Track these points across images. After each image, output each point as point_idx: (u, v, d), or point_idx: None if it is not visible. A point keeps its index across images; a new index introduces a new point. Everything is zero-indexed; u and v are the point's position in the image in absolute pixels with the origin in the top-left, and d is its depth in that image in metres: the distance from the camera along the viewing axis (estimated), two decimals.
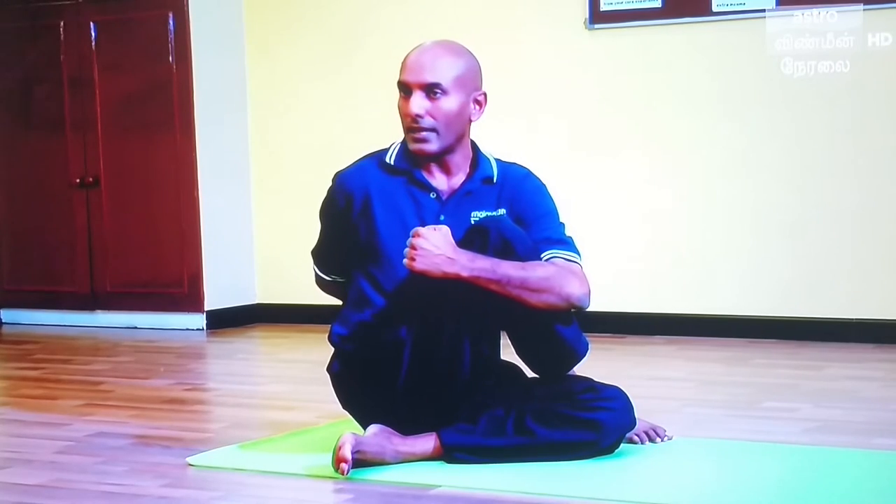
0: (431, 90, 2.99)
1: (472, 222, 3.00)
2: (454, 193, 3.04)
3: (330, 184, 3.10)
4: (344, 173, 3.09)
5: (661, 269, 5.26)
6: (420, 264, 2.86)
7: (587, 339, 3.07)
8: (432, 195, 3.04)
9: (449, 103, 3.00)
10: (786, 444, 3.14)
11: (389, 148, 3.10)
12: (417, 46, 3.07)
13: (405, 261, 2.87)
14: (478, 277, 2.87)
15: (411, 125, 3.00)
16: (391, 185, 3.03)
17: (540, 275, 2.91)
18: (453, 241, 2.89)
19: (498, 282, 2.87)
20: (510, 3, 5.48)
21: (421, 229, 2.89)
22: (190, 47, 5.79)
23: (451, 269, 2.86)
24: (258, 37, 6.01)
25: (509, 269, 2.88)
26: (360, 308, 3.04)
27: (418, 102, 2.99)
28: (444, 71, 3.00)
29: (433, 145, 3.00)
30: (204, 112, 5.84)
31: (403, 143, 3.07)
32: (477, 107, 3.06)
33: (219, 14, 5.94)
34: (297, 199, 5.85)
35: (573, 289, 2.93)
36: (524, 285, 2.89)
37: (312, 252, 3.21)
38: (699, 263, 5.20)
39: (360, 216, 3.02)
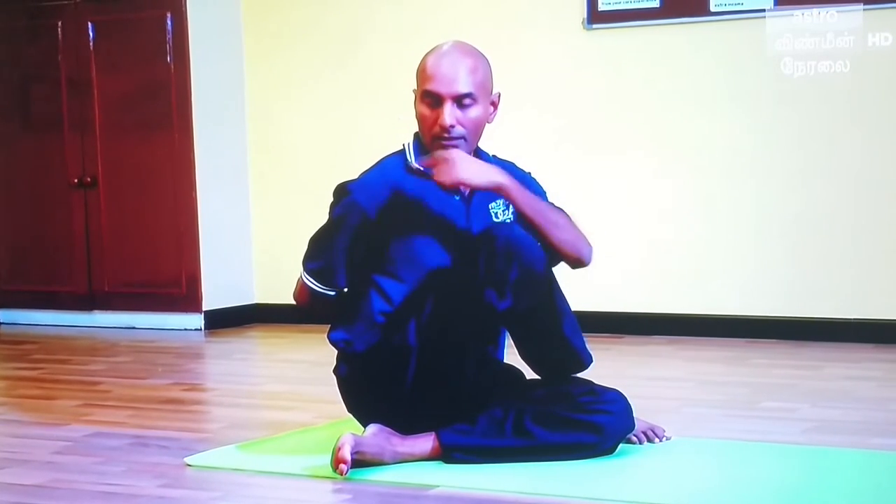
0: (462, 100, 2.97)
1: (492, 216, 3.02)
2: (474, 192, 3.03)
3: (343, 195, 2.99)
4: (366, 181, 3.01)
5: (660, 268, 5.26)
6: (462, 172, 2.84)
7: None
8: (457, 196, 3.03)
9: (477, 111, 2.99)
10: (784, 444, 3.14)
11: (404, 151, 3.05)
12: (435, 50, 3.02)
13: (436, 177, 2.85)
14: (511, 190, 2.89)
15: (441, 134, 2.96)
16: (421, 189, 2.99)
17: (564, 218, 3.01)
18: None
19: (531, 206, 2.93)
20: (508, 3, 5.48)
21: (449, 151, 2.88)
22: (188, 47, 5.78)
23: (499, 177, 2.89)
24: (256, 37, 6.00)
25: (539, 201, 2.98)
26: (372, 312, 2.99)
27: (451, 112, 2.95)
28: (473, 79, 2.97)
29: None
30: (202, 112, 5.84)
31: (417, 144, 3.04)
32: (492, 108, 3.06)
33: (217, 14, 5.94)
34: (295, 198, 5.85)
35: (585, 243, 3.04)
36: (550, 219, 2.96)
37: (312, 271, 3.07)
38: (698, 263, 5.20)
39: (390, 221, 2.96)
